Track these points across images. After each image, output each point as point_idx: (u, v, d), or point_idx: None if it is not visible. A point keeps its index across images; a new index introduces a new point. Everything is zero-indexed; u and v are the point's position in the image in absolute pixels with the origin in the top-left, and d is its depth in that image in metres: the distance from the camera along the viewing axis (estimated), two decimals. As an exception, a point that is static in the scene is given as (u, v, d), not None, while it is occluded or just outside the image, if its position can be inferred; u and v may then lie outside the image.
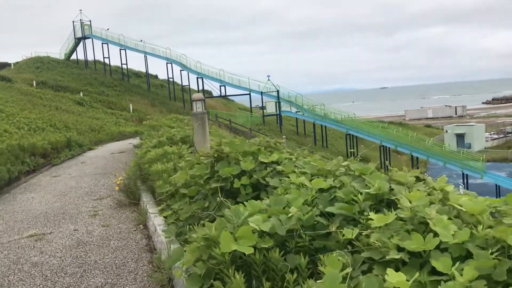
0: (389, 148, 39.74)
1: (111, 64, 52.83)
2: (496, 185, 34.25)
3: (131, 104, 40.11)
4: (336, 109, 45.28)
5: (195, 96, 7.87)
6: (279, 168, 4.57)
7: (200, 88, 47.02)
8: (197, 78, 46.63)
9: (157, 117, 18.88)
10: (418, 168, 38.84)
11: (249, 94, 44.74)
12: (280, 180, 4.39)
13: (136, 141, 19.74)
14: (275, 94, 44.29)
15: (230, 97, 52.85)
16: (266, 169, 4.59)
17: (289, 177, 4.40)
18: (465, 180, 34.96)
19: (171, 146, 8.08)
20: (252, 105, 46.91)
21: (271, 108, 43.78)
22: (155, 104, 44.80)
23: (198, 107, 7.75)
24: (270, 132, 37.52)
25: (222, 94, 46.52)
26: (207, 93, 48.52)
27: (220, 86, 45.76)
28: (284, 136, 30.21)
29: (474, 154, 40.32)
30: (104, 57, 51.35)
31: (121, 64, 50.83)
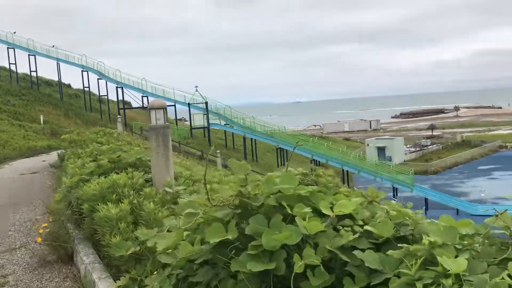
0: (319, 161, 39.03)
1: (18, 71, 47.95)
2: (425, 198, 34.59)
3: (41, 115, 36.25)
4: (266, 122, 44.00)
5: (155, 103, 5.64)
6: (364, 229, 2.54)
7: (120, 98, 43.88)
8: (117, 87, 43.61)
9: (79, 130, 16.08)
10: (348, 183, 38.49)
11: (175, 105, 42.16)
12: (373, 251, 2.37)
13: (51, 157, 16.84)
14: (202, 106, 42.07)
15: (152, 109, 49.69)
16: (338, 232, 2.54)
17: (383, 245, 2.41)
18: (395, 194, 34.89)
19: (117, 173, 5.74)
20: (178, 117, 44.38)
21: (199, 121, 41.41)
22: (70, 115, 41.09)
23: (158, 119, 5.52)
24: (199, 146, 35.22)
25: (144, 105, 43.57)
26: (127, 104, 45.50)
27: (142, 96, 42.90)
28: (218, 151, 28.11)
29: (401, 167, 40.83)
30: (10, 63, 46.55)
31: (30, 71, 46.39)
